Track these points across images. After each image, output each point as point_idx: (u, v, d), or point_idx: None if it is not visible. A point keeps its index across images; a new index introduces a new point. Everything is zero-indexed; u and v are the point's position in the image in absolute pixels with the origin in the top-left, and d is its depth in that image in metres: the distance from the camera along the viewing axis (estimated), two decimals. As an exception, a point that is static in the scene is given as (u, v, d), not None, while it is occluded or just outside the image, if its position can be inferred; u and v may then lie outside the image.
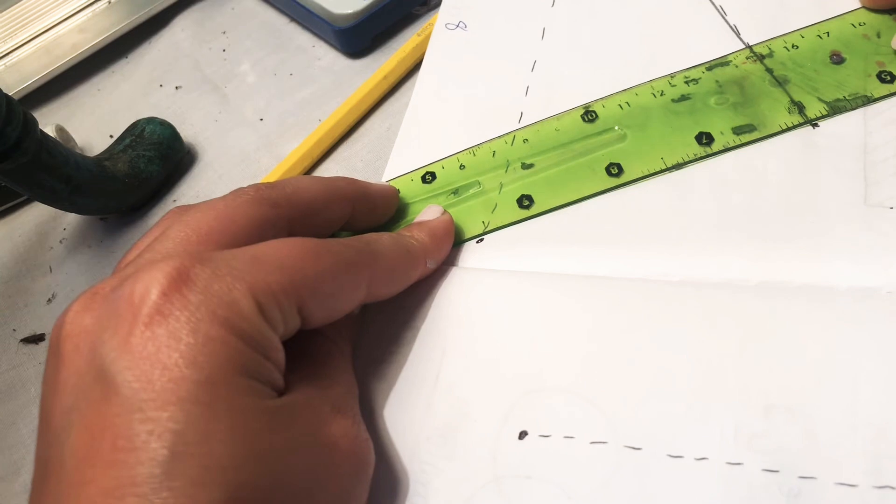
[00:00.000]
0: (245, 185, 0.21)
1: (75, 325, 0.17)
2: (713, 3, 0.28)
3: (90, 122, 0.39)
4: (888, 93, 0.24)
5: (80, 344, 0.17)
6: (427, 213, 0.25)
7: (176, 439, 0.15)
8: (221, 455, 0.15)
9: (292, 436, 0.17)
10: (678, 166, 0.25)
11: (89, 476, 0.15)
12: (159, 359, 0.15)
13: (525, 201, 0.25)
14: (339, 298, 0.19)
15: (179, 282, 0.16)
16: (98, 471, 0.15)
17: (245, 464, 0.15)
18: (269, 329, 0.17)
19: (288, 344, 0.18)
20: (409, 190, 0.27)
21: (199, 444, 0.15)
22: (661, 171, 0.25)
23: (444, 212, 0.25)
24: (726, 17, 0.28)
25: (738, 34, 0.27)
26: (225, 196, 0.20)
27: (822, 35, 0.26)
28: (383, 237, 0.22)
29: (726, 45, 0.27)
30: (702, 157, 0.24)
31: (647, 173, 0.25)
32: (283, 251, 0.18)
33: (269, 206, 0.20)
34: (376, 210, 0.24)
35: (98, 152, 0.35)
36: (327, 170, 0.33)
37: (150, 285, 0.16)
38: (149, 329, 0.16)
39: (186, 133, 0.36)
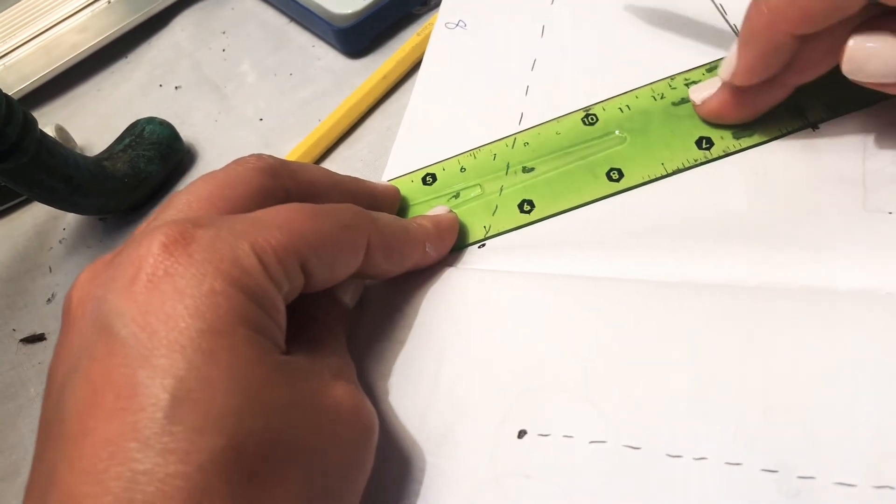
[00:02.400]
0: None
1: (81, 291, 0.17)
2: (713, 3, 0.28)
3: (90, 122, 0.39)
4: (889, 95, 0.24)
5: (85, 307, 0.17)
6: (434, 210, 0.25)
7: (178, 385, 0.15)
8: (222, 403, 0.15)
9: (294, 392, 0.17)
10: (678, 171, 0.25)
11: (91, 426, 0.15)
12: (163, 310, 0.15)
13: (526, 206, 0.25)
14: (338, 258, 0.19)
15: (182, 242, 0.16)
16: (100, 420, 0.15)
17: (246, 414, 0.15)
18: (272, 286, 0.17)
19: (287, 318, 0.18)
20: (410, 191, 0.27)
21: (201, 390, 0.15)
22: (662, 177, 0.25)
23: (451, 211, 0.25)
24: (727, 17, 0.28)
25: (737, 34, 0.27)
26: (227, 164, 0.20)
27: (821, 36, 0.26)
28: (382, 212, 0.22)
29: (726, 45, 0.27)
30: (702, 163, 0.25)
31: (647, 179, 0.25)
32: (282, 213, 0.18)
33: (270, 176, 0.20)
34: (380, 209, 0.24)
35: (98, 152, 0.35)
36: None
37: (152, 246, 0.16)
38: (152, 284, 0.16)
39: (186, 133, 0.36)
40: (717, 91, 0.24)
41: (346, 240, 0.20)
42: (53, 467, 0.15)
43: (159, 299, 0.16)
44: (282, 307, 0.18)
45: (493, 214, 0.25)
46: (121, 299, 0.16)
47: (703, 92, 0.25)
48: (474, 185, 0.26)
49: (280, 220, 0.18)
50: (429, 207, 0.26)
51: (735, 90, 0.24)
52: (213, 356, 0.15)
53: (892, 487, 0.17)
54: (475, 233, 0.25)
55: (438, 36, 0.31)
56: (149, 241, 0.16)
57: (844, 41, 0.21)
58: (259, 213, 0.18)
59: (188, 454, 0.14)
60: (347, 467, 0.18)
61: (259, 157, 0.21)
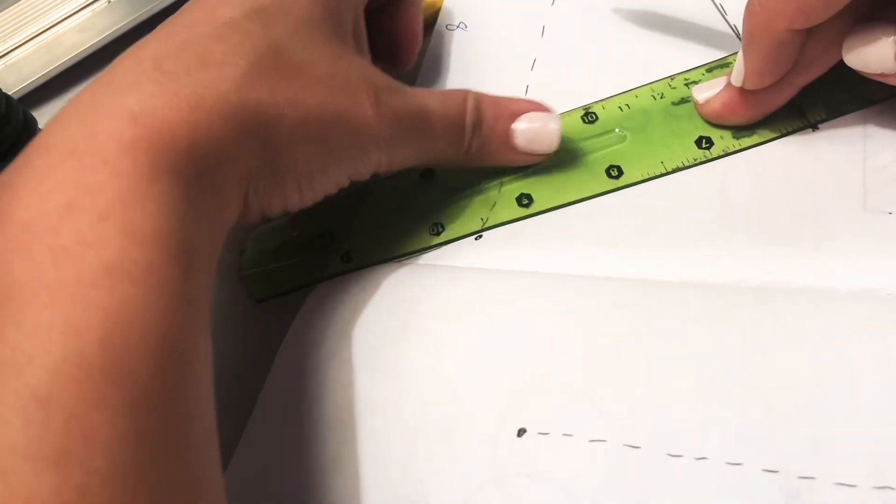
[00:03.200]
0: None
1: None
2: (714, 3, 0.28)
3: (90, 122, 0.39)
4: (888, 95, 0.24)
5: None
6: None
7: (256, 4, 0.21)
8: (278, 26, 0.20)
9: (332, 58, 0.21)
10: (678, 170, 0.25)
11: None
12: None
13: (524, 199, 0.25)
14: None
15: None
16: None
17: (287, 40, 0.20)
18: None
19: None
20: (408, 187, 0.27)
21: (273, 12, 0.21)
22: (661, 175, 0.25)
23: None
24: (727, 17, 0.28)
25: (738, 34, 0.27)
26: None
27: (821, 36, 0.26)
28: None
29: (726, 45, 0.27)
30: (702, 162, 0.25)
31: (646, 177, 0.25)
32: None
33: None
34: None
35: (97, 152, 0.35)
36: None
37: None
38: None
39: (186, 133, 0.36)
40: (722, 91, 0.24)
41: None
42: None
43: None
44: (357, 16, 0.23)
45: (492, 209, 0.25)
46: None
47: (706, 91, 0.25)
48: (472, 181, 0.26)
49: None
50: (428, 202, 0.26)
51: (740, 91, 0.24)
52: (288, 8, 0.21)
53: (892, 488, 0.17)
54: (472, 226, 0.25)
55: (439, 37, 0.31)
56: None
57: (846, 34, 0.21)
58: None
59: (245, 37, 0.20)
60: (343, 139, 0.21)
61: None
